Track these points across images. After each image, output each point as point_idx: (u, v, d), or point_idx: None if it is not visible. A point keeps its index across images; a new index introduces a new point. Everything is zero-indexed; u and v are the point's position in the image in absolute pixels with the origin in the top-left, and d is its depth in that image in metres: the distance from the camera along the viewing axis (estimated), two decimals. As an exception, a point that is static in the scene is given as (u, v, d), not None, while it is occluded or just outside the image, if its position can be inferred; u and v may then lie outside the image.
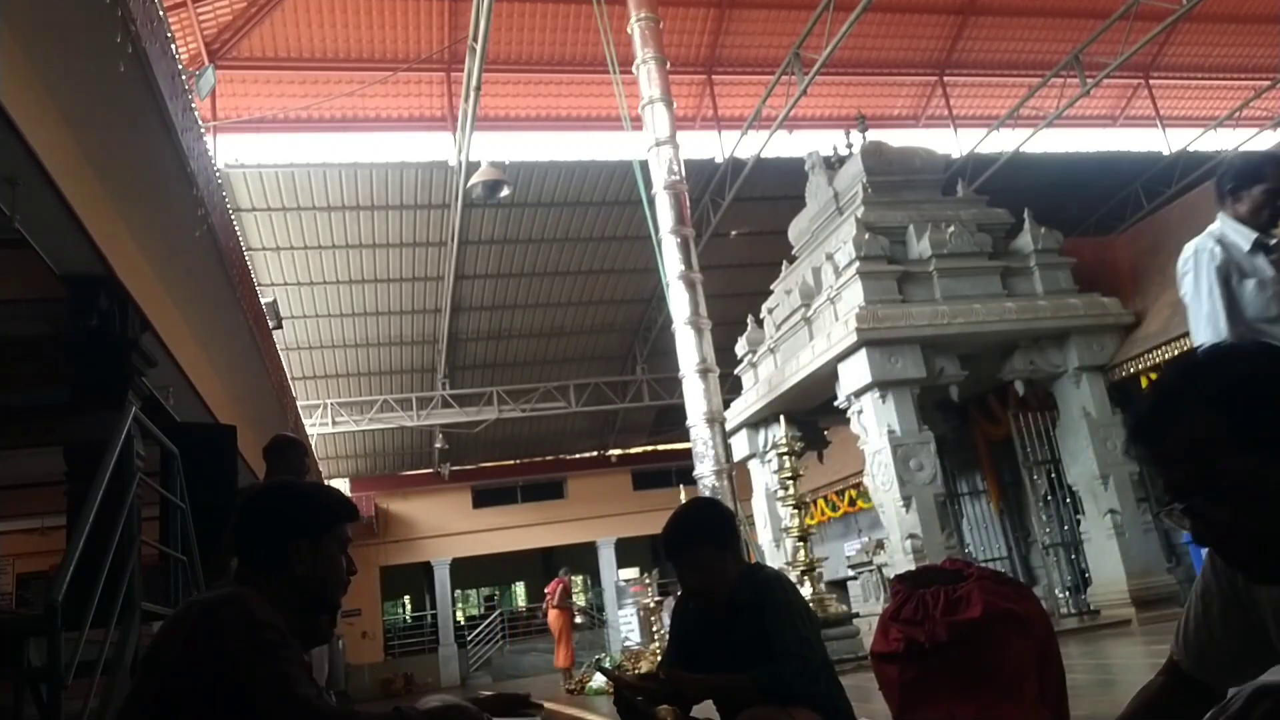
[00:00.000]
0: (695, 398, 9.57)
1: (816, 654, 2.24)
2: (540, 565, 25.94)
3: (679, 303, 9.80)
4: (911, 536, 9.30)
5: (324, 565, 1.67)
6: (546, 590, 14.04)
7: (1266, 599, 1.19)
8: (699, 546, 2.34)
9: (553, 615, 13.42)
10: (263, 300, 9.23)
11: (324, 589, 1.68)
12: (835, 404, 10.61)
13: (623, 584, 19.56)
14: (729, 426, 11.85)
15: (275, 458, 4.44)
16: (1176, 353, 9.66)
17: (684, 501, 2.98)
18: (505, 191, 12.76)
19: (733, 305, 14.58)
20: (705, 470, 9.44)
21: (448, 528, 21.47)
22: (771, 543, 12.05)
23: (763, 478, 12.56)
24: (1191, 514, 1.06)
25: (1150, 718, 1.40)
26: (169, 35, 4.81)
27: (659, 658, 4.34)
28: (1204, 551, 1.31)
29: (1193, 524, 1.07)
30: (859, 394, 9.97)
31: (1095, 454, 10.03)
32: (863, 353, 9.71)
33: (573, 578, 15.78)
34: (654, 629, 11.80)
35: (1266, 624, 1.22)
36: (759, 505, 12.64)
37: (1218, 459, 1.02)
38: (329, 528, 1.70)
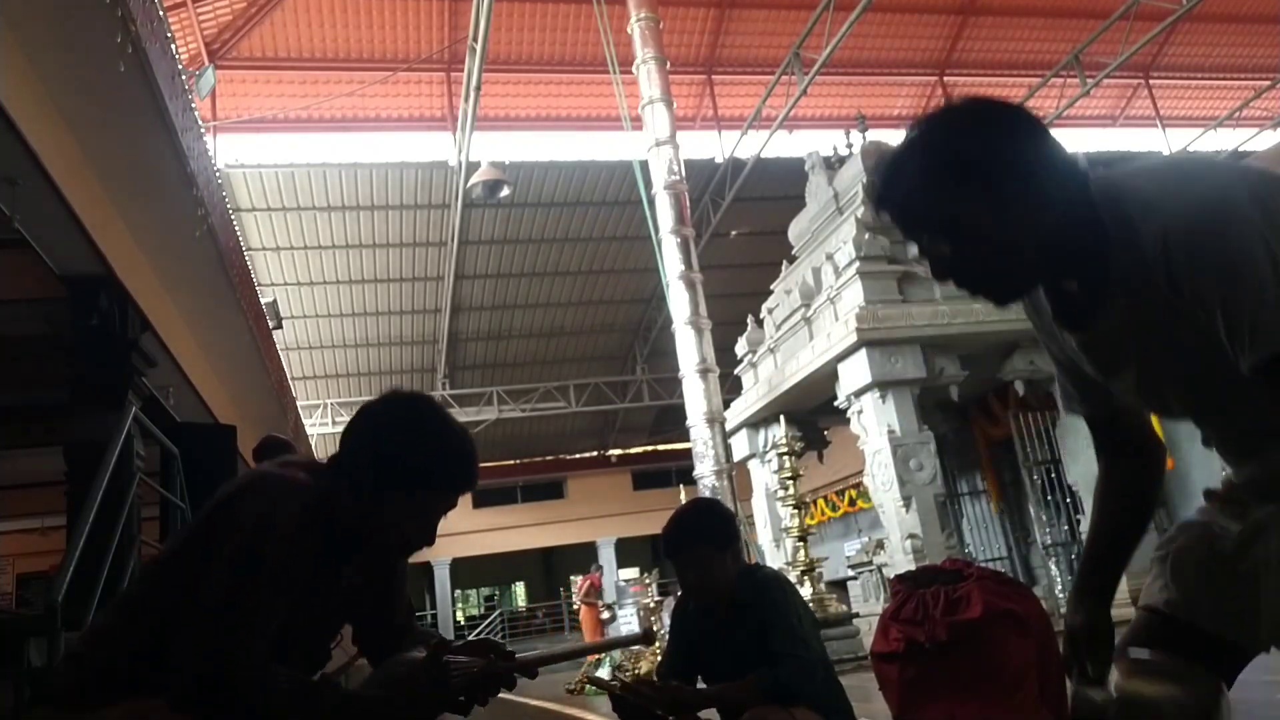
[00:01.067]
0: (695, 398, 9.57)
1: (813, 653, 2.25)
2: (540, 565, 25.94)
3: (679, 303, 9.79)
4: (911, 536, 9.29)
5: (378, 514, 1.47)
6: (576, 586, 14.10)
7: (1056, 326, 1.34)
8: (699, 546, 2.34)
9: (583, 611, 13.48)
10: (263, 300, 9.23)
11: (360, 533, 1.49)
12: (835, 404, 10.60)
13: (623, 584, 19.56)
14: (729, 426, 11.85)
15: (265, 460, 4.40)
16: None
17: (684, 502, 2.98)
18: (505, 191, 12.77)
19: (733, 305, 14.58)
20: (705, 470, 9.44)
21: (448, 528, 20.79)
22: (771, 543, 12.05)
23: (763, 478, 12.55)
24: (925, 254, 1.23)
25: (1118, 513, 1.49)
26: (169, 35, 4.82)
27: (659, 658, 4.33)
28: None
29: (930, 263, 1.24)
30: (859, 394, 9.96)
31: (1096, 454, 10.01)
32: (863, 353, 9.70)
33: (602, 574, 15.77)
34: (654, 629, 11.80)
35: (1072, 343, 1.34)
36: (759, 505, 12.63)
37: (933, 205, 1.19)
38: (408, 486, 1.48)
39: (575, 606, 15.47)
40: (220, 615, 1.31)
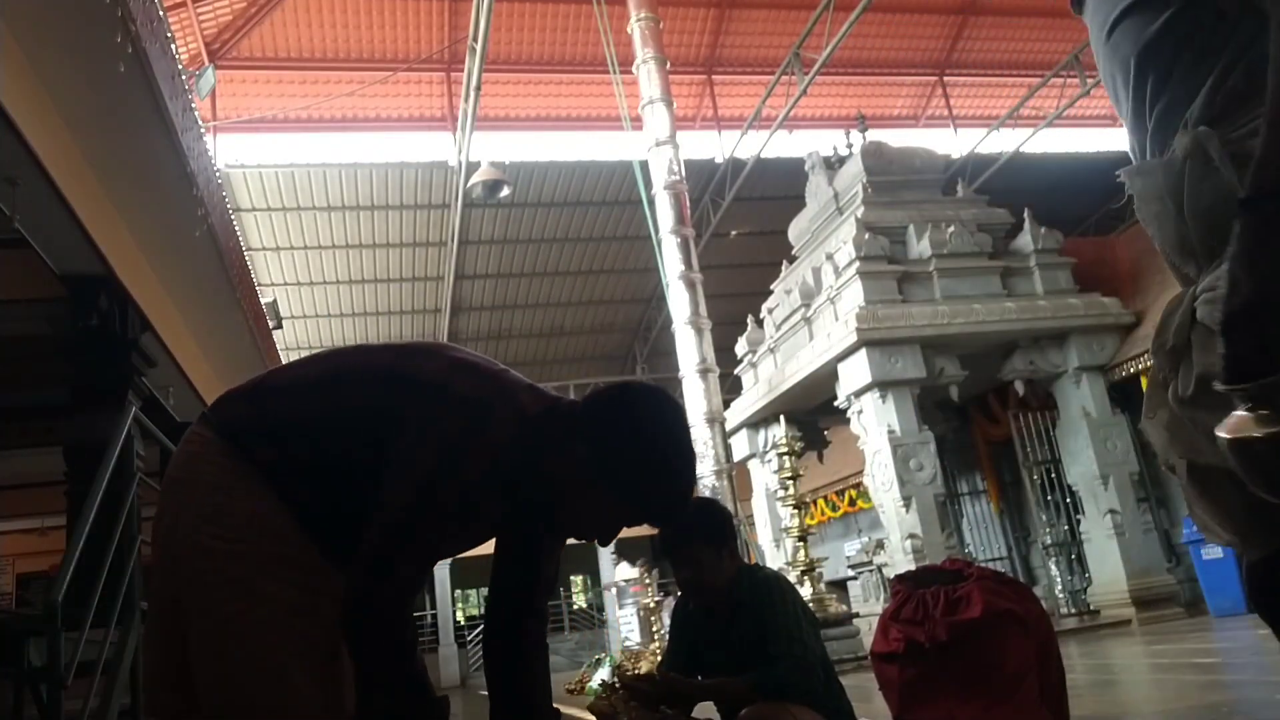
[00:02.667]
0: (695, 398, 9.58)
1: (812, 652, 2.25)
2: (540, 565, 25.93)
3: (679, 303, 9.80)
4: (911, 536, 9.30)
5: (576, 492, 1.42)
6: None
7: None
8: (694, 545, 2.35)
9: None
10: (263, 300, 9.22)
11: (542, 491, 1.45)
12: (835, 404, 10.61)
13: (623, 584, 19.54)
14: (729, 426, 11.85)
15: None
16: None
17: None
18: (505, 191, 12.75)
19: (733, 305, 14.58)
20: (705, 470, 9.44)
21: (448, 528, 21.43)
22: (771, 543, 12.05)
23: (763, 478, 12.56)
24: None
25: None
26: (169, 35, 4.81)
27: (659, 658, 4.33)
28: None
29: None
30: (859, 394, 9.97)
31: (1095, 454, 10.03)
32: (863, 353, 9.70)
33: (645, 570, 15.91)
34: (654, 629, 11.81)
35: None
36: (759, 505, 12.64)
37: None
38: (621, 493, 1.40)
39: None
40: (389, 541, 1.36)
